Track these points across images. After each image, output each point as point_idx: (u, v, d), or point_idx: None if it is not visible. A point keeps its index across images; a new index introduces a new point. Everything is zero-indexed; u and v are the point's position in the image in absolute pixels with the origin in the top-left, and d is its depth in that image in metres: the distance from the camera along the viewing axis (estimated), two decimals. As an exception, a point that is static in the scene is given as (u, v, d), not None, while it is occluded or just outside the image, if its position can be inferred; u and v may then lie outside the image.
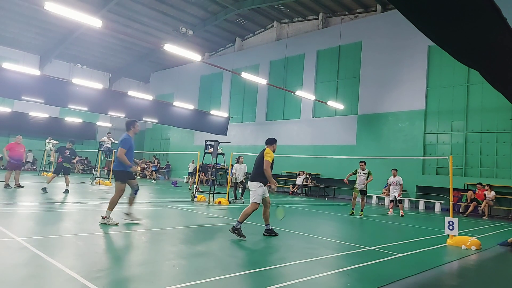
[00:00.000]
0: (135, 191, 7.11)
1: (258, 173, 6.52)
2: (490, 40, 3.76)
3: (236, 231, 6.20)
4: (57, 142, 21.90)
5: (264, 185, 6.55)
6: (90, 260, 4.33)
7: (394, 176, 13.04)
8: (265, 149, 6.66)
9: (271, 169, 6.59)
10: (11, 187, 12.11)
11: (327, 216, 11.08)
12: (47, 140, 21.56)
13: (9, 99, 23.60)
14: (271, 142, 6.86)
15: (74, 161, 12.77)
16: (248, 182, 6.63)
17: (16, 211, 7.80)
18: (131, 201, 7.15)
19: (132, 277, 3.82)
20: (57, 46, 28.15)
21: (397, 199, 12.88)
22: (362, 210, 11.62)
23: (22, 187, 12.45)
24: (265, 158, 6.46)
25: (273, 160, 6.66)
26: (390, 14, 18.83)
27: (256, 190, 6.46)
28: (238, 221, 6.28)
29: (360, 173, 11.68)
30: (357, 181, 11.71)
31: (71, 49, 29.17)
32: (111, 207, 6.75)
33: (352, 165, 16.83)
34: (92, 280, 3.50)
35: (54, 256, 4.29)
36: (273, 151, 6.74)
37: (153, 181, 24.57)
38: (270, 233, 6.74)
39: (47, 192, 11.23)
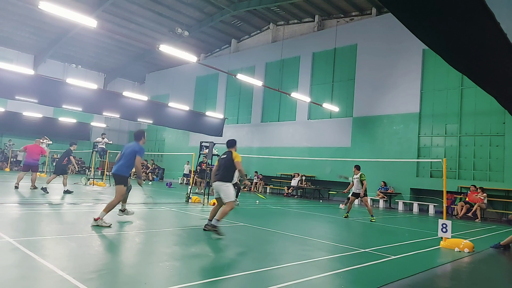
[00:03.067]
0: (128, 190, 7.29)
1: (229, 174, 6.86)
2: (483, 44, 3.79)
3: (217, 230, 6.32)
4: (51, 142, 21.72)
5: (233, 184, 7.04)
6: (83, 261, 4.29)
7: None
8: (231, 152, 7.07)
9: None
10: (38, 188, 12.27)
11: (322, 218, 11.09)
12: (40, 140, 21.40)
13: (3, 99, 23.41)
14: (233, 144, 7.32)
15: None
16: (217, 182, 6.78)
17: (8, 212, 7.71)
18: (124, 200, 7.40)
19: (125, 279, 3.80)
20: (52, 46, 27.96)
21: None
22: (372, 216, 11.12)
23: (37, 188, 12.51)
24: (236, 160, 6.89)
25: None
26: (385, 18, 18.94)
27: (229, 189, 6.72)
28: (217, 219, 6.42)
29: (354, 178, 11.55)
30: (354, 186, 11.58)
31: (66, 49, 29.00)
32: (108, 210, 6.62)
33: (346, 167, 16.90)
34: (85, 281, 3.47)
35: (46, 257, 4.25)
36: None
37: (149, 182, 24.51)
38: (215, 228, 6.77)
39: (48, 192, 11.51)
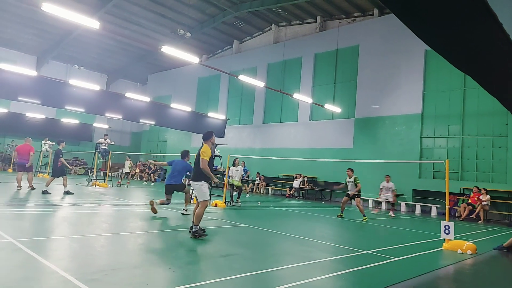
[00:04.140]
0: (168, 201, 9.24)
1: (200, 172, 6.38)
2: (486, 45, 3.78)
3: (197, 234, 6.13)
4: (53, 143, 21.76)
5: (207, 183, 6.50)
6: (85, 262, 4.30)
7: (387, 182, 14.29)
8: (202, 146, 6.52)
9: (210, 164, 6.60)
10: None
11: (324, 219, 11.07)
12: (43, 141, 21.46)
13: (6, 100, 23.47)
14: (208, 137, 6.66)
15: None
16: (192, 182, 6.47)
17: (11, 212, 7.73)
18: (167, 202, 9.14)
19: (128, 280, 3.80)
20: (54, 47, 28.07)
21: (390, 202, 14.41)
22: (364, 216, 11.26)
23: (34, 188, 12.48)
24: (201, 157, 6.34)
25: (211, 157, 6.53)
26: (387, 18, 18.91)
27: (202, 188, 6.38)
28: (194, 225, 6.20)
29: (348, 181, 11.63)
30: (348, 189, 11.70)
31: (68, 50, 29.10)
32: (187, 202, 9.58)
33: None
34: (87, 282, 3.48)
35: (48, 258, 4.26)
36: (213, 144, 6.56)
37: (144, 182, 24.67)
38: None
39: (50, 193, 11.51)
